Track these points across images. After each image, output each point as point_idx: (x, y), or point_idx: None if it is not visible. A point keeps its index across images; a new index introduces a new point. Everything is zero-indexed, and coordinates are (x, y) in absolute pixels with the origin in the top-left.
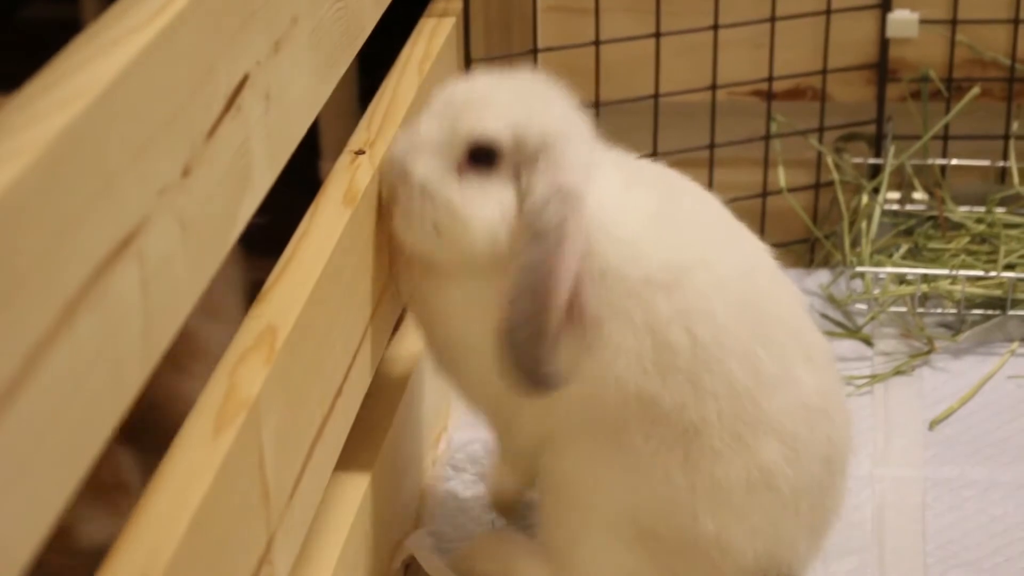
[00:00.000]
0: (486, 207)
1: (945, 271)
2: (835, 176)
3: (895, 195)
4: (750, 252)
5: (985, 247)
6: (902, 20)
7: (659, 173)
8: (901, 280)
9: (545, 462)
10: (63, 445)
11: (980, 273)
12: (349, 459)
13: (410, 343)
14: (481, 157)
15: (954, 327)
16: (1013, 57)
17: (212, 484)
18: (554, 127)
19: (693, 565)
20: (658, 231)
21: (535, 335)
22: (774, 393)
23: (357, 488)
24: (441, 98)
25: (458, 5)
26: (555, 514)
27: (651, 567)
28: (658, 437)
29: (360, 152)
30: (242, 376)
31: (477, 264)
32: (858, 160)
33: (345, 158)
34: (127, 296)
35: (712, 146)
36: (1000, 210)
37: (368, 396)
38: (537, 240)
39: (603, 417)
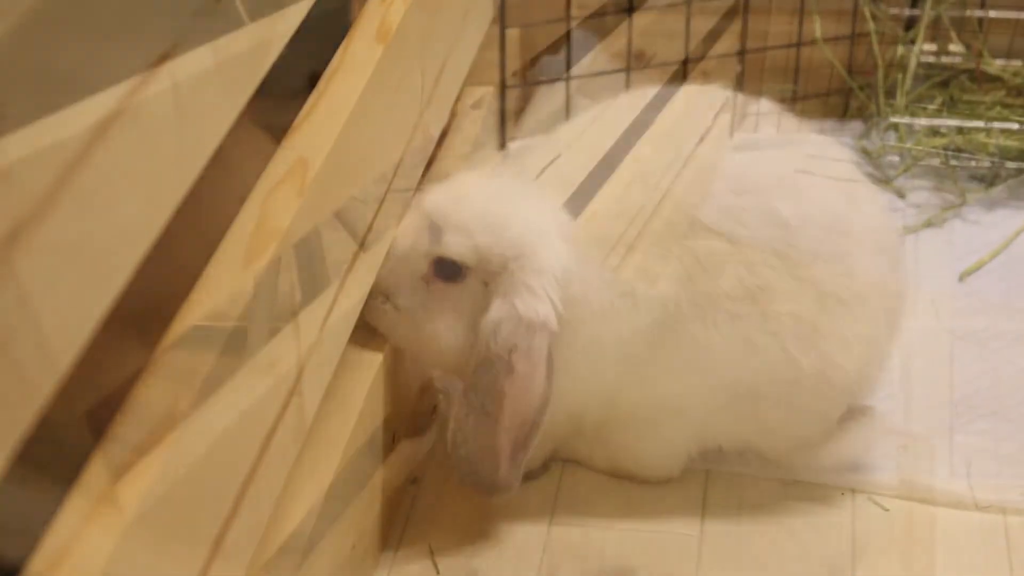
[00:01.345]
0: (450, 320)
1: (979, 123)
2: (871, 26)
3: (931, 47)
4: (693, 121)
5: (1021, 100)
6: None
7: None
8: (935, 132)
9: (606, 414)
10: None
11: (1015, 125)
12: None
13: None
14: (446, 271)
15: (987, 180)
16: None
17: (242, 312)
18: (519, 247)
19: (799, 407)
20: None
21: (482, 454)
22: (802, 230)
23: None
24: (417, 206)
25: None
26: (642, 439)
27: (752, 425)
28: (723, 316)
29: None
30: (273, 206)
31: (451, 365)
32: (895, 11)
33: None
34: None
35: None
36: None
37: None
38: (486, 365)
39: (671, 340)
